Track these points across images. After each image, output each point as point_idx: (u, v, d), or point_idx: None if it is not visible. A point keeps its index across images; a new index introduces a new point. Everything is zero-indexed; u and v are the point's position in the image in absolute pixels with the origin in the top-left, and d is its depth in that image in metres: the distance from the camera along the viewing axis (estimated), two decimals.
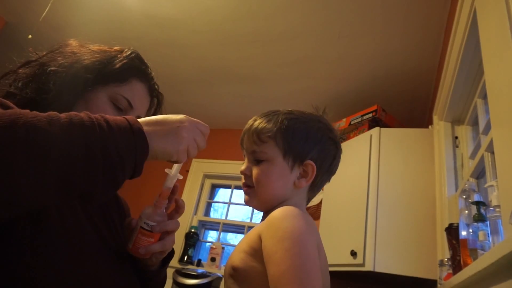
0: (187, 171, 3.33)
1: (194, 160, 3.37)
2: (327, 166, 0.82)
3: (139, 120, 0.58)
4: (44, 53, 0.79)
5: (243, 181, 0.81)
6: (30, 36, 2.20)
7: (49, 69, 0.74)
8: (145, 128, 0.57)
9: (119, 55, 0.81)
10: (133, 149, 0.54)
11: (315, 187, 0.81)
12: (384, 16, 1.95)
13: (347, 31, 2.09)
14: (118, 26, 2.36)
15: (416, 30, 2.00)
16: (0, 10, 2.45)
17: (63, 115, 0.52)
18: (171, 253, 0.79)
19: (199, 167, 3.34)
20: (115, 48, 0.84)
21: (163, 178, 0.68)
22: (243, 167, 0.81)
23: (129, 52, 0.83)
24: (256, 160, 0.79)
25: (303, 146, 0.78)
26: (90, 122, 0.52)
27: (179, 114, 0.63)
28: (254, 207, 0.82)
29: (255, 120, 0.82)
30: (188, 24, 2.28)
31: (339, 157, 0.85)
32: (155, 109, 0.91)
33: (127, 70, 0.80)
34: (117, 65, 0.79)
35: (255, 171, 0.78)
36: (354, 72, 2.41)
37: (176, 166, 0.68)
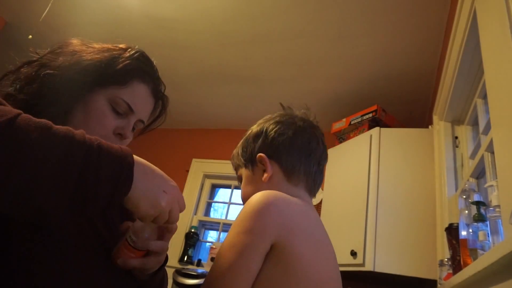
0: (187, 171, 3.33)
1: (194, 160, 3.37)
2: (287, 146, 0.81)
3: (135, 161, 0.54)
4: (45, 52, 0.76)
5: None
6: (30, 36, 2.20)
7: (44, 72, 0.71)
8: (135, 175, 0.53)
9: (122, 55, 0.77)
10: (114, 182, 0.50)
11: (289, 171, 0.80)
12: (384, 16, 1.95)
13: (347, 31, 2.09)
14: (118, 27, 2.36)
15: (416, 31, 2.00)
16: (0, 10, 2.45)
17: (57, 126, 0.49)
18: (164, 261, 0.75)
19: (199, 167, 3.34)
20: (120, 46, 0.80)
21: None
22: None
23: (133, 52, 0.79)
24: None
25: (250, 146, 0.85)
26: (82, 141, 0.49)
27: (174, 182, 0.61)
28: None
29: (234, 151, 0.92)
30: (188, 25, 2.28)
31: (303, 132, 0.83)
32: (160, 111, 0.88)
33: (129, 71, 0.76)
34: (119, 66, 0.75)
35: None
36: (354, 72, 2.41)
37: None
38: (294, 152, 0.81)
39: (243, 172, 0.86)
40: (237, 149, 0.89)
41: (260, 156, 0.81)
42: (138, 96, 0.77)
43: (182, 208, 0.61)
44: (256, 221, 0.65)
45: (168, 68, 2.69)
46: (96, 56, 0.75)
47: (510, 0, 0.89)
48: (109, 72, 0.74)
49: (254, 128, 0.87)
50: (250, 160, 0.84)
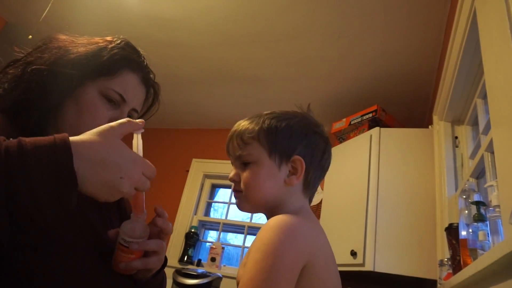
0: (187, 171, 3.33)
1: (194, 160, 3.38)
2: (318, 161, 0.79)
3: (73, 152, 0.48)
4: (30, 50, 0.75)
5: (233, 187, 0.80)
6: (30, 36, 2.20)
7: (31, 68, 0.70)
8: (77, 164, 0.47)
9: (108, 46, 0.76)
10: (54, 187, 0.45)
11: (309, 184, 0.78)
12: (385, 16, 1.96)
13: (347, 31, 2.09)
14: (118, 26, 2.36)
15: (416, 30, 2.00)
16: (0, 10, 2.45)
17: None
18: (164, 263, 0.74)
19: (199, 167, 3.34)
20: (106, 38, 0.79)
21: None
22: (231, 174, 0.78)
23: (118, 41, 0.78)
24: (243, 164, 0.77)
25: (288, 142, 0.76)
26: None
27: (127, 156, 0.54)
28: (247, 211, 0.80)
29: (238, 125, 0.81)
30: (188, 25, 2.28)
31: (330, 153, 0.82)
32: (153, 99, 0.87)
33: (117, 61, 0.75)
34: (106, 57, 0.74)
35: (243, 175, 0.76)
36: (354, 72, 2.41)
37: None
38: (319, 170, 0.80)
39: (261, 159, 0.75)
40: (256, 126, 0.77)
41: (300, 160, 0.75)
42: (129, 85, 0.77)
43: (151, 176, 0.57)
44: (270, 261, 0.60)
45: (168, 68, 2.69)
46: (82, 49, 0.74)
47: (510, 0, 0.89)
48: (97, 64, 0.73)
49: (291, 122, 0.77)
50: (280, 154, 0.75)
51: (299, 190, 0.77)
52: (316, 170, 0.79)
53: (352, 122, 2.45)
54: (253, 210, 0.79)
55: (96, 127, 0.66)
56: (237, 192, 0.78)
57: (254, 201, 0.75)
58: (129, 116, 0.79)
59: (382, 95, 2.51)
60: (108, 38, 0.79)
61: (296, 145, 0.76)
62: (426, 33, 2.00)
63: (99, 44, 0.77)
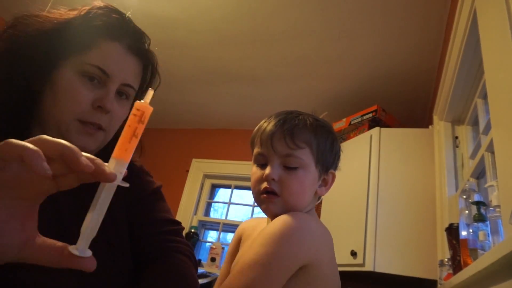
0: (187, 171, 3.33)
1: (194, 160, 3.37)
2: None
3: None
4: (3, 29, 0.66)
5: (266, 186, 0.72)
6: None
7: (10, 47, 0.62)
8: None
9: (80, 15, 0.65)
10: None
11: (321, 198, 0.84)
12: (384, 16, 1.95)
13: (347, 31, 2.09)
14: None
15: (416, 30, 2.00)
16: (0, 10, 2.45)
17: None
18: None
19: (199, 167, 3.34)
20: (83, 8, 0.67)
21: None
22: (268, 171, 0.71)
23: (94, 9, 0.66)
24: (287, 167, 0.72)
25: (331, 156, 0.79)
26: None
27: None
28: (274, 216, 0.72)
29: (282, 121, 0.74)
30: (188, 24, 2.28)
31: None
32: (151, 72, 0.75)
33: (91, 30, 0.63)
34: (78, 29, 0.63)
35: (286, 177, 0.72)
36: (354, 72, 2.41)
37: None
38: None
39: (310, 166, 0.73)
40: (312, 134, 0.74)
41: (333, 174, 0.80)
42: (109, 56, 0.65)
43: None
44: (275, 248, 0.63)
45: (168, 67, 2.69)
46: (51, 25, 0.64)
47: (510, 0, 0.89)
48: (67, 38, 0.63)
49: (335, 137, 0.81)
50: (322, 165, 0.76)
51: (316, 200, 0.81)
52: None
53: (352, 122, 2.45)
54: (280, 213, 0.71)
55: (76, 111, 0.61)
56: (271, 194, 0.72)
57: (291, 207, 0.72)
58: (123, 93, 0.69)
59: (382, 95, 2.51)
60: (86, 7, 0.67)
61: (333, 159, 0.81)
62: (426, 33, 2.00)
63: (70, 15, 0.66)
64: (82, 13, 0.66)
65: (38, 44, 0.62)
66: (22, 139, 0.35)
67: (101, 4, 0.67)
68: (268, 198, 0.72)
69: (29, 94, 0.63)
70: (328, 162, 0.78)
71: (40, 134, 0.38)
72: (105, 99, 0.64)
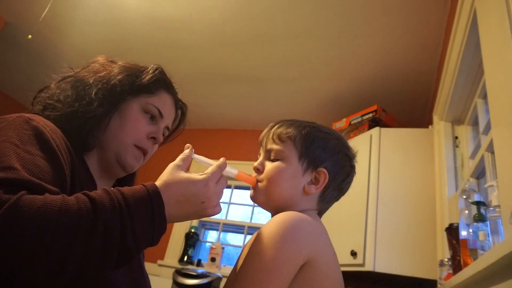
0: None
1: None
2: (340, 181, 0.81)
3: (164, 201, 0.59)
4: (79, 69, 0.85)
5: (254, 175, 0.81)
6: (30, 36, 2.20)
7: (89, 81, 0.80)
8: (167, 209, 0.59)
9: (146, 69, 0.88)
10: (150, 234, 0.57)
11: (325, 199, 0.80)
12: (384, 16, 1.95)
13: (347, 31, 2.09)
14: (118, 26, 2.36)
15: (416, 30, 2.00)
16: (0, 10, 2.45)
17: (83, 198, 0.54)
18: None
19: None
20: (140, 65, 0.91)
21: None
22: (256, 163, 0.81)
23: (155, 67, 0.90)
24: (272, 159, 0.79)
25: (320, 154, 0.78)
26: (112, 206, 0.54)
27: (203, 183, 0.64)
28: (260, 203, 0.79)
29: (279, 124, 0.82)
30: (188, 25, 2.28)
31: (351, 179, 0.84)
32: (180, 120, 1.00)
33: (156, 82, 0.87)
34: (147, 78, 0.86)
35: (267, 166, 0.79)
36: (354, 72, 2.41)
37: None
38: (337, 191, 0.82)
39: (290, 159, 0.77)
40: (296, 130, 0.79)
41: (325, 173, 0.77)
42: (165, 104, 0.89)
43: (224, 185, 0.71)
44: (273, 254, 0.62)
45: (168, 67, 2.66)
46: (124, 70, 0.85)
47: (510, 0, 0.89)
48: (139, 83, 0.85)
49: (329, 137, 0.81)
50: (309, 161, 0.77)
51: (313, 202, 0.79)
52: (334, 190, 0.81)
53: (352, 122, 2.45)
54: (265, 202, 0.78)
55: (135, 138, 0.83)
56: (256, 182, 0.79)
57: (269, 195, 0.77)
58: (163, 133, 0.91)
59: (382, 95, 2.51)
60: (142, 65, 0.91)
61: (326, 158, 0.78)
62: (426, 33, 2.00)
63: (139, 67, 0.89)
64: (148, 68, 0.89)
65: (119, 80, 0.83)
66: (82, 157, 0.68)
67: (158, 65, 0.92)
68: (253, 186, 0.79)
69: (101, 118, 0.80)
70: (317, 159, 0.77)
71: (98, 153, 0.82)
72: (159, 133, 0.87)
